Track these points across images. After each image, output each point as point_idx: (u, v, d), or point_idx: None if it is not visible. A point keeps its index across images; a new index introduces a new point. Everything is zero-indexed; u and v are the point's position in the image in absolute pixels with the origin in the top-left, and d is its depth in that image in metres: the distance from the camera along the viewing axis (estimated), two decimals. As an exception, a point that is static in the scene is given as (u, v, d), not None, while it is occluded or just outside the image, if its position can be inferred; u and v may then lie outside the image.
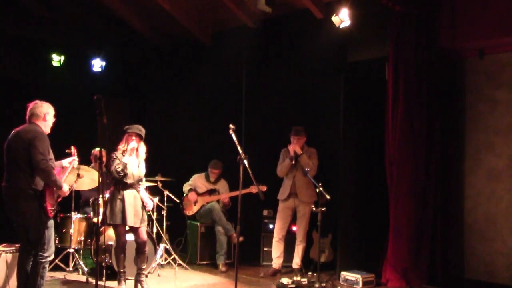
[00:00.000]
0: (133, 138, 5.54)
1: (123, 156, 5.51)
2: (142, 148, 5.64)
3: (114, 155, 5.50)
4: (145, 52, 9.24)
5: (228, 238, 7.00)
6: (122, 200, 5.47)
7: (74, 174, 5.95)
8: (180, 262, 6.81)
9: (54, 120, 4.76)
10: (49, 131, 4.71)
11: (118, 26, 8.58)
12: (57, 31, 8.17)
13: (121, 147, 5.57)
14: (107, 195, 6.20)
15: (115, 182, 5.53)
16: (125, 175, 5.46)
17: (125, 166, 5.44)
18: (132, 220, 5.47)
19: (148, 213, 6.14)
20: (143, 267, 5.65)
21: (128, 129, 5.58)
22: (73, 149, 5.18)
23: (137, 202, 5.56)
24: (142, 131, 5.61)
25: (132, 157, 5.55)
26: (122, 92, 9.09)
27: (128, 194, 5.52)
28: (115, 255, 5.67)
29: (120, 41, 8.68)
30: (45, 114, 4.64)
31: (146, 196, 5.79)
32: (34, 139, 4.43)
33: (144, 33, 8.85)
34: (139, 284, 5.57)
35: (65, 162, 5.05)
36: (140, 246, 5.59)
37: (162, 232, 6.74)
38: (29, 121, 4.62)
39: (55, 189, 4.62)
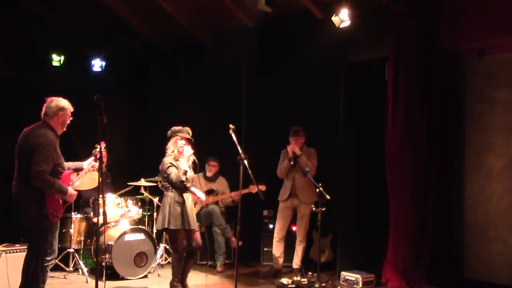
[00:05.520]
0: (184, 143, 5.42)
1: (177, 161, 5.37)
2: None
3: (168, 162, 5.33)
4: (145, 52, 9.23)
5: (226, 240, 7.00)
6: (183, 204, 5.33)
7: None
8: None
9: (71, 118, 4.60)
10: (64, 129, 4.58)
11: (118, 26, 8.58)
12: (57, 31, 8.16)
13: (170, 151, 5.41)
14: (107, 195, 6.21)
15: (172, 186, 5.35)
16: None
17: (185, 173, 5.30)
18: (193, 223, 5.36)
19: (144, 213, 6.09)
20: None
21: (179, 132, 5.44)
22: (103, 145, 4.64)
23: (193, 205, 5.49)
24: (190, 134, 5.50)
25: (184, 160, 5.41)
26: (122, 92, 9.09)
27: (187, 197, 5.41)
28: (175, 262, 5.36)
29: (120, 41, 8.68)
30: (57, 114, 4.49)
31: (196, 190, 5.68)
32: (38, 146, 4.29)
33: (144, 33, 8.85)
34: None
35: (86, 164, 4.88)
36: (195, 251, 5.48)
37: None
38: (43, 119, 4.50)
39: (61, 195, 4.48)
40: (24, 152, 4.36)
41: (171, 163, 5.34)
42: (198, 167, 5.55)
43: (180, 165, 5.36)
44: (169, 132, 5.51)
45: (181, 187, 5.33)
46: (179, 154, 5.41)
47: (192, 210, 5.43)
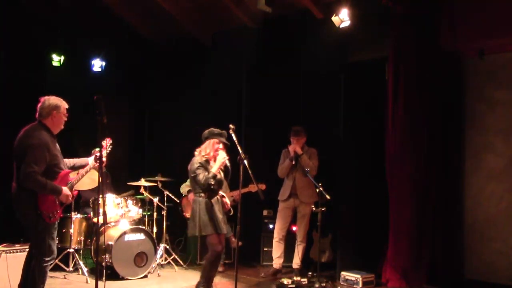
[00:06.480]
0: (221, 146, 5.33)
1: (208, 164, 5.29)
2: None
3: (198, 162, 5.25)
4: (145, 52, 9.23)
5: (226, 240, 6.98)
6: (212, 209, 5.26)
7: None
8: (180, 262, 6.82)
9: (67, 114, 4.55)
10: (62, 127, 4.55)
11: (118, 26, 8.58)
12: (57, 31, 8.17)
13: (204, 153, 5.34)
14: (107, 195, 6.20)
15: (199, 187, 5.27)
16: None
17: (214, 177, 5.19)
18: (222, 227, 5.29)
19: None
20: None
21: (218, 136, 5.36)
22: (108, 141, 4.78)
23: (221, 209, 5.42)
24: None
25: (216, 164, 5.29)
26: (122, 92, 9.09)
27: (216, 201, 5.34)
28: (209, 266, 5.30)
29: (120, 41, 8.68)
30: (51, 113, 4.46)
31: (225, 195, 5.61)
32: (30, 147, 4.27)
33: (144, 33, 8.85)
34: None
35: (91, 160, 4.83)
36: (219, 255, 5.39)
37: (162, 232, 6.75)
38: (38, 119, 4.48)
39: (55, 196, 4.44)
40: (18, 153, 4.35)
41: (200, 163, 5.26)
42: (230, 172, 5.48)
43: (211, 169, 5.26)
44: (206, 132, 5.44)
45: (208, 190, 5.25)
46: (213, 157, 5.34)
47: (222, 215, 5.36)
